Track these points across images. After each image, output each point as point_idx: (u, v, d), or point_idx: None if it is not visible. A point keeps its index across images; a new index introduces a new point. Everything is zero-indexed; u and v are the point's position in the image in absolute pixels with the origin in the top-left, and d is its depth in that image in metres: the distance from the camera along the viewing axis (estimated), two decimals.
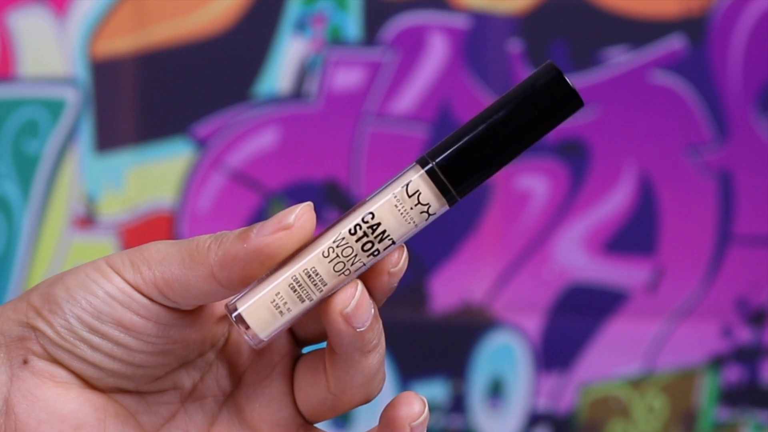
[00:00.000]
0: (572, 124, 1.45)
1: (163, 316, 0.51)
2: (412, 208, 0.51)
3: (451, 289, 1.45)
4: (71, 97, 1.36)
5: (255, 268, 0.50)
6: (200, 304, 0.52)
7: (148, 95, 1.37)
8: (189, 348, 0.53)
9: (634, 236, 1.47)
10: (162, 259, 0.51)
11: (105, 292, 0.50)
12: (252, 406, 0.54)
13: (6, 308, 0.52)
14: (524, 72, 1.44)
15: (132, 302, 0.50)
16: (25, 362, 0.51)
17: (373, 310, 0.51)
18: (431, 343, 1.45)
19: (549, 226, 1.46)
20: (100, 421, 0.52)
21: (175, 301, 0.51)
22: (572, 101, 0.51)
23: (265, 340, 0.51)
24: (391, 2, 1.42)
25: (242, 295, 0.51)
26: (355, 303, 0.50)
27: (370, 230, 0.51)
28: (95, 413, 0.52)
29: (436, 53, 1.43)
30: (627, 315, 1.47)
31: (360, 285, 0.50)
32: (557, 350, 1.47)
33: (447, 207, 0.51)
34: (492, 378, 1.47)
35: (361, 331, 0.50)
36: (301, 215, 0.50)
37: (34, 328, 0.51)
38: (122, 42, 1.37)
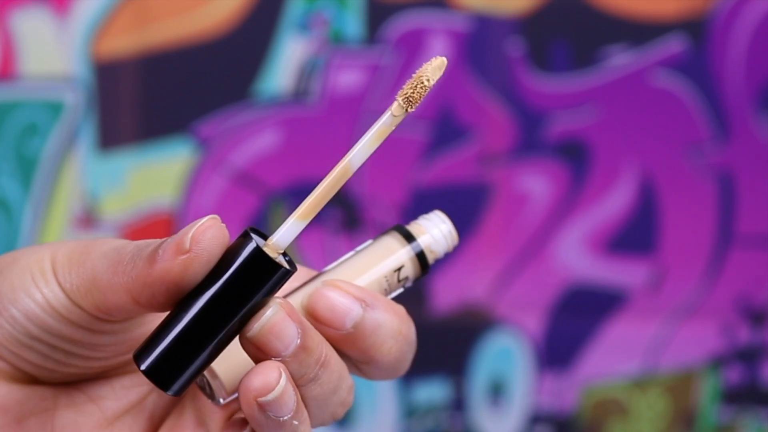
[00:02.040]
0: (573, 124, 1.45)
1: (94, 324, 0.48)
2: None
3: (451, 289, 1.45)
4: (72, 97, 1.36)
5: (163, 295, 0.45)
6: (125, 318, 0.48)
7: (150, 95, 1.37)
8: (134, 344, 0.49)
9: (634, 236, 1.47)
10: (94, 266, 0.47)
11: (42, 295, 0.48)
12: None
13: None
14: (525, 72, 1.44)
15: (63, 309, 0.48)
16: None
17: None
18: (432, 344, 1.45)
19: (550, 227, 1.46)
20: (48, 411, 0.50)
21: (91, 312, 0.47)
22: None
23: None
24: (392, 3, 1.42)
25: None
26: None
27: None
28: (43, 403, 0.50)
29: (437, 54, 1.43)
30: (628, 315, 1.47)
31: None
32: (558, 350, 1.47)
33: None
34: (493, 378, 1.47)
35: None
36: (197, 237, 0.44)
37: None
38: (124, 42, 1.37)
